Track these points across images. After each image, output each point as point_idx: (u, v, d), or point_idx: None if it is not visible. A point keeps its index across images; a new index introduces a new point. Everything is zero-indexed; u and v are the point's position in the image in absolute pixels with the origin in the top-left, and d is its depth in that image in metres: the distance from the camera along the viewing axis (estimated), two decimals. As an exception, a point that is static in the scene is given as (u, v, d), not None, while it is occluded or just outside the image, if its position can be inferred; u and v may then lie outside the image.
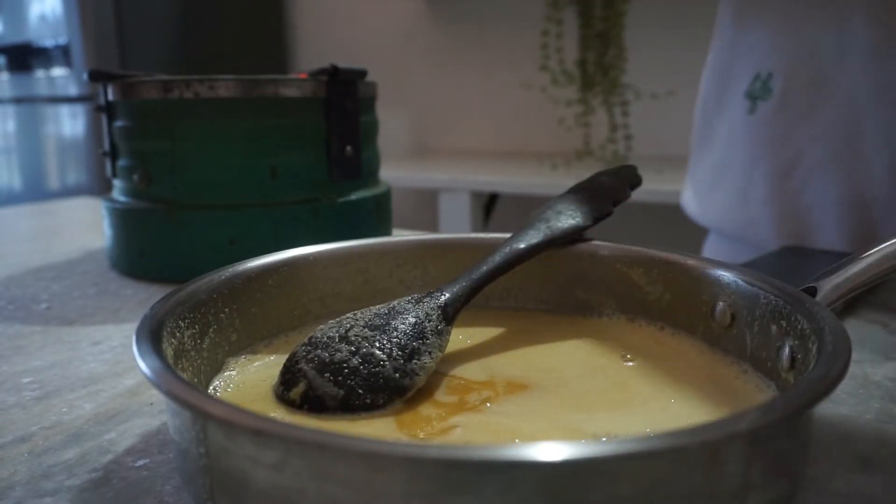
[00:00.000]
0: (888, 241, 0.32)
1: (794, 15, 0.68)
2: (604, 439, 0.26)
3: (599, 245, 0.39)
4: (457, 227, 1.67)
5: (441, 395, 0.30)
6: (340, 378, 0.29)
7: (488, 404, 0.29)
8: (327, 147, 0.58)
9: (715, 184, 0.76)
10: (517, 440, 0.26)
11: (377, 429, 0.27)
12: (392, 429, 0.27)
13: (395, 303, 0.33)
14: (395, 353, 0.30)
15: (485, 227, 1.87)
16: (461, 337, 0.36)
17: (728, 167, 0.74)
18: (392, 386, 0.29)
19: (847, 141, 0.65)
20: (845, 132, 0.65)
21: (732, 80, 0.73)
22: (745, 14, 0.73)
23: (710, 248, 0.81)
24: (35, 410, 0.35)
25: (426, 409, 0.29)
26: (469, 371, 0.32)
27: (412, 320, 0.32)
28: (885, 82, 0.63)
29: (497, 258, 0.36)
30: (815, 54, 0.66)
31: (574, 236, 0.38)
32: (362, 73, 0.58)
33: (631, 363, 0.33)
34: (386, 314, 0.32)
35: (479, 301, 0.35)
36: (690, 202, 0.81)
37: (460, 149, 2.24)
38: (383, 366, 0.29)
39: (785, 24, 0.68)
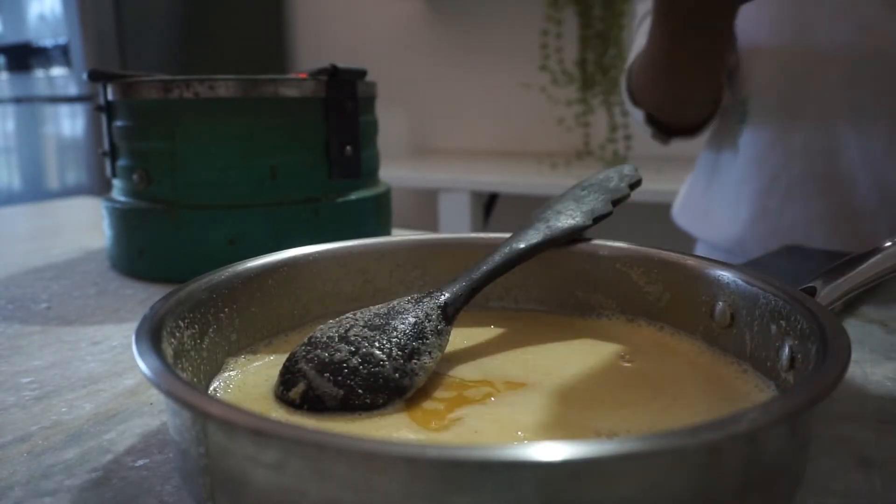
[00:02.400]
0: (887, 241, 0.32)
1: (761, 42, 0.69)
2: (605, 437, 0.26)
3: (599, 245, 0.39)
4: (457, 227, 1.67)
5: (441, 395, 0.30)
6: (340, 378, 0.29)
7: (492, 398, 0.29)
8: (327, 147, 0.58)
9: (710, 202, 0.79)
10: (520, 432, 0.26)
11: (386, 425, 0.28)
12: (403, 423, 0.28)
13: (395, 303, 0.33)
14: (394, 353, 0.30)
15: (485, 227, 1.87)
16: (461, 337, 0.36)
17: (720, 186, 0.77)
18: (392, 386, 0.29)
19: (824, 158, 0.67)
20: (821, 150, 0.67)
21: (728, 106, 0.76)
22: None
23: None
24: (35, 410, 0.35)
25: (429, 406, 0.29)
26: (468, 371, 0.32)
27: (412, 320, 0.32)
28: (855, 100, 0.65)
29: (497, 258, 0.36)
30: (786, 76, 0.68)
31: (574, 236, 0.38)
32: (362, 73, 0.58)
33: (631, 363, 0.33)
34: (386, 314, 0.32)
35: (479, 301, 0.35)
36: (682, 215, 0.84)
37: (460, 149, 2.23)
38: (383, 366, 0.30)
39: (753, 50, 0.70)
